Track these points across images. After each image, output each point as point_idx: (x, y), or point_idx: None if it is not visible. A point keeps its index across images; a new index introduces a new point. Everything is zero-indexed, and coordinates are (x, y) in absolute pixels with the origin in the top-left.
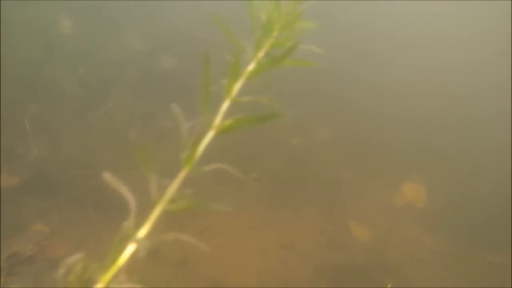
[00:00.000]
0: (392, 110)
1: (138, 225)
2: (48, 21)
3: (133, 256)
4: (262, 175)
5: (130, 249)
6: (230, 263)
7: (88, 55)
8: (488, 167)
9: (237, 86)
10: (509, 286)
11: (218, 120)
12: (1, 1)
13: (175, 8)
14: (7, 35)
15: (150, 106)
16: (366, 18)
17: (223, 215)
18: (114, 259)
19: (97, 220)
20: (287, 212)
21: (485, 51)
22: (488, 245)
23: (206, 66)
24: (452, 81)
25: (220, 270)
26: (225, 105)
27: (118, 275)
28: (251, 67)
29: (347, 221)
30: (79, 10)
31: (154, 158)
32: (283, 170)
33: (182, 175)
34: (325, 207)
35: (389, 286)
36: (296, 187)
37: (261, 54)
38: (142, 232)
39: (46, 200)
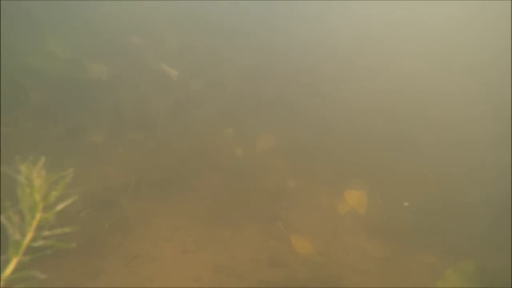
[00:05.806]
0: (335, 118)
1: None
2: None
3: None
4: (202, 190)
5: None
6: None
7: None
8: (424, 173)
9: None
10: (439, 281)
11: None
12: None
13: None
14: None
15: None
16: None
17: (155, 240)
18: None
19: None
20: (227, 230)
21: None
22: (423, 247)
23: None
24: (395, 89)
25: None
26: None
27: None
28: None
29: (289, 235)
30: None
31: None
32: (224, 183)
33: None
34: (267, 221)
35: None
36: (237, 201)
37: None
38: None
39: None
